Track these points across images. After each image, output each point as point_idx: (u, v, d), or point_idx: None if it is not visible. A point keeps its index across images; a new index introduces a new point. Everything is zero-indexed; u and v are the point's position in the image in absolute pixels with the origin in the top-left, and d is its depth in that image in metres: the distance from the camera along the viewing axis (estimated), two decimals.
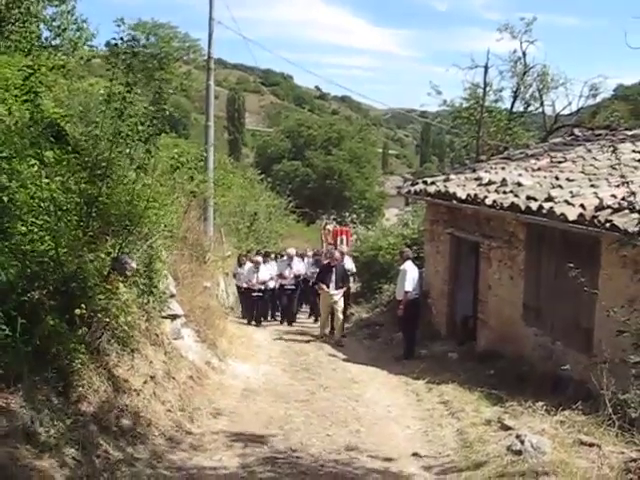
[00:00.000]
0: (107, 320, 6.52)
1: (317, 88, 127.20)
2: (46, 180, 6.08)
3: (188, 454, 6.43)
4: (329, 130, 55.33)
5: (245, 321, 16.30)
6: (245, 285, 16.39)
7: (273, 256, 18.18)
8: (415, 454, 6.71)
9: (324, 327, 14.08)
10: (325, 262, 14.70)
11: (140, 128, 6.29)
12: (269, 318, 17.71)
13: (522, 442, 6.20)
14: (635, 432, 6.48)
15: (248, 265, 16.51)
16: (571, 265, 6.67)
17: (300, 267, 17.38)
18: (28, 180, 5.92)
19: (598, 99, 22.38)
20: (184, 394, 7.81)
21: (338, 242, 23.15)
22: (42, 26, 17.37)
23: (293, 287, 17.06)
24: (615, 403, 6.78)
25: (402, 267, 12.45)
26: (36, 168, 6.21)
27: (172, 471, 5.98)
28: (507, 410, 7.55)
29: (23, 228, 5.81)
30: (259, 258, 16.62)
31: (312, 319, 17.65)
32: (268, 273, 16.49)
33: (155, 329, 8.08)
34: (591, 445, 6.40)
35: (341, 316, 13.78)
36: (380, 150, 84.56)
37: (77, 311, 6.11)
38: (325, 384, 9.69)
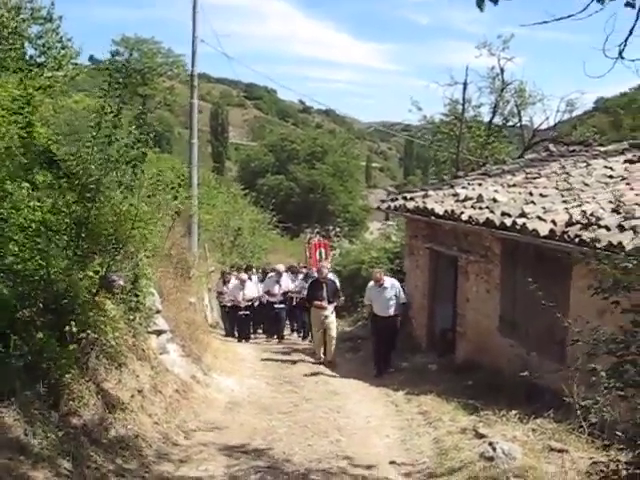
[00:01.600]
0: (96, 336, 6.77)
1: (300, 102, 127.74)
2: (38, 203, 6.35)
3: (175, 465, 6.67)
4: (312, 144, 55.80)
5: (228, 337, 16.30)
6: (230, 303, 16.30)
7: (254, 270, 18.42)
8: (392, 462, 6.99)
9: (319, 347, 13.26)
10: (315, 278, 14.13)
11: (128, 152, 6.57)
12: (253, 335, 17.41)
13: (494, 449, 6.49)
14: (604, 437, 6.81)
15: (233, 282, 16.52)
16: (535, 284, 7.00)
17: (289, 283, 16.93)
18: (19, 202, 6.17)
19: (576, 113, 22.93)
20: (170, 407, 8.05)
21: (317, 255, 23.44)
22: (27, 44, 17.62)
23: (282, 306, 16.62)
24: (585, 410, 7.10)
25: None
26: (26, 191, 6.48)
27: None
28: (482, 419, 7.84)
29: (15, 249, 6.05)
30: (244, 275, 16.62)
31: (296, 335, 17.62)
32: (254, 290, 16.46)
33: (141, 344, 8.32)
34: (560, 451, 6.69)
35: (334, 334, 13.16)
36: (363, 163, 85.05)
37: (67, 328, 6.36)
38: (307, 396, 9.96)
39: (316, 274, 14.27)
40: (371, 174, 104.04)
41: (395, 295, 12.29)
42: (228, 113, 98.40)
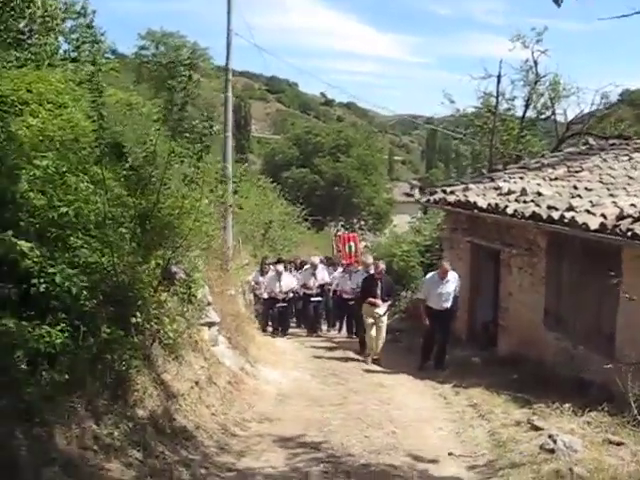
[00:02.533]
0: (158, 328, 6.89)
1: (322, 95, 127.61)
2: (98, 196, 6.46)
3: (237, 455, 6.78)
4: (337, 137, 55.59)
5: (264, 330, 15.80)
6: (266, 295, 15.78)
7: (293, 265, 18.22)
8: (451, 454, 7.04)
9: (371, 345, 12.61)
10: (370, 274, 13.32)
11: (194, 146, 6.68)
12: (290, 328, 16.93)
13: (555, 441, 6.53)
14: None
15: (270, 274, 15.99)
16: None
17: (325, 276, 16.66)
18: (86, 195, 6.28)
19: (603, 106, 22.67)
20: (224, 399, 8.17)
21: (346, 249, 23.44)
22: (61, 39, 17.81)
23: (319, 298, 16.47)
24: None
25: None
26: (88, 184, 6.59)
27: (224, 472, 6.32)
28: (535, 412, 7.86)
29: (82, 241, 6.16)
30: (280, 266, 16.17)
31: (336, 331, 17.25)
32: (291, 282, 16.14)
33: (195, 336, 8.44)
34: (618, 444, 6.72)
35: (384, 332, 12.63)
36: (386, 157, 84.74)
37: (133, 319, 6.49)
38: (354, 388, 10.03)
39: (359, 268, 14.28)
40: (393, 167, 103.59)
41: (454, 289, 11.89)
42: (250, 106, 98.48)
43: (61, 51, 17.80)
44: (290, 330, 16.77)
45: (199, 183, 6.84)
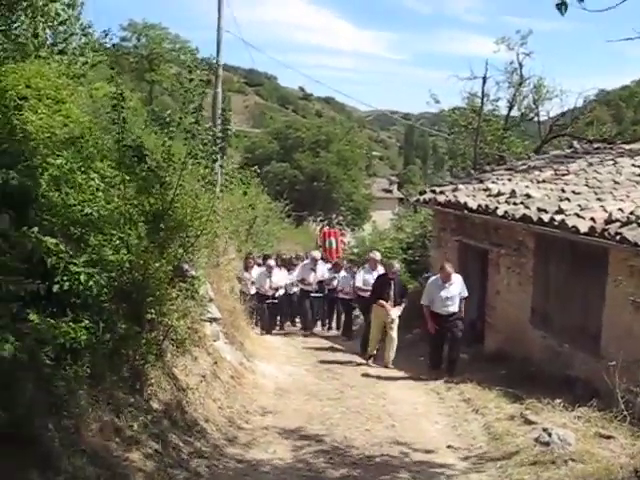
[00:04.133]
0: (170, 324, 7.11)
1: (301, 89, 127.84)
2: (110, 194, 6.66)
3: (245, 448, 7.06)
4: (317, 132, 55.87)
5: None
6: (253, 291, 15.05)
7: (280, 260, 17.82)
8: (450, 446, 7.38)
9: (374, 346, 12.22)
10: (382, 273, 12.74)
11: (210, 148, 6.93)
12: (281, 325, 16.60)
13: (549, 434, 6.87)
14: None
15: (257, 269, 15.52)
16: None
17: (325, 271, 16.26)
18: (106, 196, 6.48)
19: (578, 105, 23.23)
20: (228, 393, 8.43)
21: (326, 244, 23.71)
22: (48, 32, 17.79)
23: (319, 294, 16.00)
24: (627, 401, 7.49)
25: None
26: (99, 183, 6.77)
27: (235, 463, 6.59)
28: (528, 406, 8.20)
29: (102, 239, 6.35)
30: (271, 262, 15.74)
31: (326, 328, 16.99)
32: (282, 278, 15.72)
33: (199, 332, 8.67)
34: (608, 437, 7.09)
35: (395, 336, 12.04)
36: (365, 152, 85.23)
37: (148, 316, 6.72)
38: (350, 383, 10.33)
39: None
40: (371, 163, 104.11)
41: (459, 291, 11.30)
42: (230, 99, 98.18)
43: (48, 42, 17.85)
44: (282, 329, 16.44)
45: (213, 183, 7.07)
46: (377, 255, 13.87)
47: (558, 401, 8.20)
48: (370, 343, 12.29)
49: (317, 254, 17.01)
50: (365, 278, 13.38)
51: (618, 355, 8.14)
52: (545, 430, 6.98)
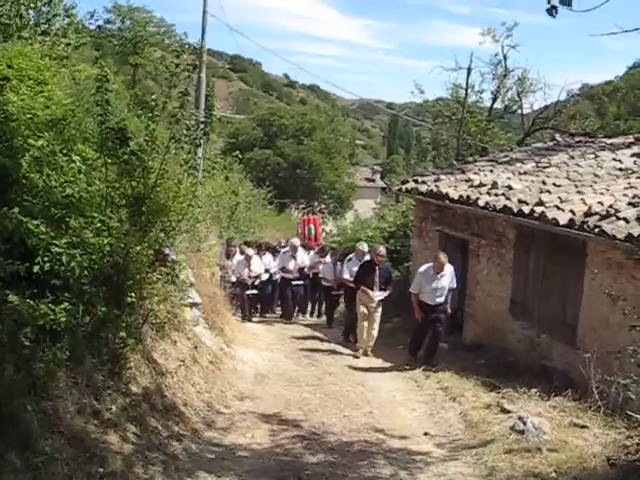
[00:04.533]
0: (150, 308, 7.11)
1: (286, 76, 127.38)
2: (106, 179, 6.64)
3: (223, 432, 7.09)
4: (301, 120, 55.74)
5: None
6: (234, 278, 14.79)
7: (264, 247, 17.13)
8: (426, 433, 7.46)
9: (363, 338, 11.89)
10: (367, 260, 12.48)
11: (194, 133, 6.91)
12: (262, 313, 16.40)
13: (524, 423, 6.99)
14: (617, 416, 7.33)
15: (237, 257, 15.20)
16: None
17: (305, 259, 16.10)
18: (87, 178, 6.45)
19: (561, 98, 23.41)
20: (207, 377, 8.44)
21: (305, 231, 23.76)
22: (31, 12, 17.56)
23: (301, 282, 15.87)
24: (601, 391, 7.61)
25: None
26: (80, 165, 6.73)
27: (213, 447, 6.63)
28: (504, 396, 8.30)
29: (83, 222, 6.32)
30: (250, 250, 15.31)
31: (311, 316, 16.99)
32: (261, 266, 15.28)
33: (178, 316, 8.67)
34: (582, 427, 7.21)
35: (377, 325, 11.94)
36: (348, 140, 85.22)
37: (127, 299, 6.70)
38: (329, 370, 10.38)
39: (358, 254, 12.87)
40: (355, 151, 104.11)
41: (449, 283, 11.10)
42: (214, 85, 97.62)
43: (31, 23, 17.63)
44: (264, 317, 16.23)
45: (196, 168, 7.06)
46: (365, 246, 13.37)
47: (534, 390, 8.30)
48: (359, 335, 12.00)
49: (297, 241, 16.84)
50: (352, 270, 12.96)
51: (594, 346, 8.28)
52: (520, 419, 7.10)
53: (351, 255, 13.69)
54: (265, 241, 19.38)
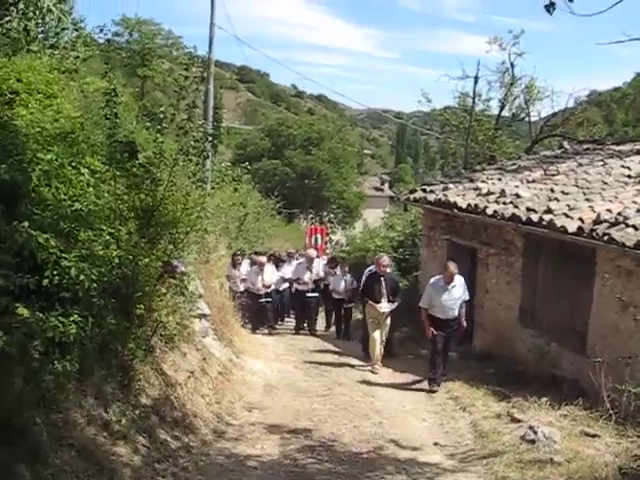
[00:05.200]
0: (159, 319, 7.13)
1: (293, 86, 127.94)
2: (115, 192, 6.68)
3: (232, 443, 7.09)
4: (309, 130, 55.93)
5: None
6: (242, 288, 14.55)
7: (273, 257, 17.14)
8: (436, 443, 7.44)
9: (377, 354, 11.34)
10: (372, 270, 11.83)
11: (202, 145, 6.96)
12: (273, 324, 15.66)
13: (535, 432, 6.96)
14: (629, 425, 7.28)
15: (245, 266, 15.08)
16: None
17: (320, 271, 15.60)
18: (96, 191, 6.49)
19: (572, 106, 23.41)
20: (217, 389, 8.46)
21: (312, 240, 23.81)
22: (40, 26, 17.69)
23: (315, 294, 15.42)
24: (612, 399, 7.56)
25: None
26: (89, 178, 6.78)
27: (223, 458, 6.62)
28: (515, 405, 8.28)
29: (92, 235, 6.35)
30: (263, 258, 15.20)
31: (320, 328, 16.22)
32: (274, 276, 15.15)
33: (188, 328, 8.68)
34: (593, 436, 7.16)
35: (385, 336, 11.58)
36: (356, 150, 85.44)
37: (137, 311, 6.73)
38: (338, 381, 10.35)
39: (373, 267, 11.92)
40: (363, 161, 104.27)
41: (461, 294, 10.45)
42: (222, 96, 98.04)
43: (40, 37, 17.76)
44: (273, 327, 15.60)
45: (204, 180, 7.11)
46: (385, 259, 12.13)
47: (544, 400, 8.26)
48: (371, 349, 11.42)
49: (313, 252, 16.55)
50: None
51: (604, 354, 8.24)
52: (531, 428, 7.06)
53: (372, 267, 12.71)
54: (274, 251, 19.36)
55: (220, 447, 6.92)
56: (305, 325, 15.64)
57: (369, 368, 11.27)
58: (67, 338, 5.45)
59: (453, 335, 10.47)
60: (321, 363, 11.78)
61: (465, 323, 10.65)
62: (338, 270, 15.19)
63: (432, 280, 10.61)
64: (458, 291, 10.36)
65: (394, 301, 11.45)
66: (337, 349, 13.28)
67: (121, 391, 6.34)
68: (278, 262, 16.54)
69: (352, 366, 11.64)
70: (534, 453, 6.65)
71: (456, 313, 10.34)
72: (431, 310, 10.32)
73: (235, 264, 14.85)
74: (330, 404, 8.87)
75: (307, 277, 15.33)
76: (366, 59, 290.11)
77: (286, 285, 15.98)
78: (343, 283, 14.70)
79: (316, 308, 16.00)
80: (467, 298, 10.64)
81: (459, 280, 10.42)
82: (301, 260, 16.23)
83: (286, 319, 17.48)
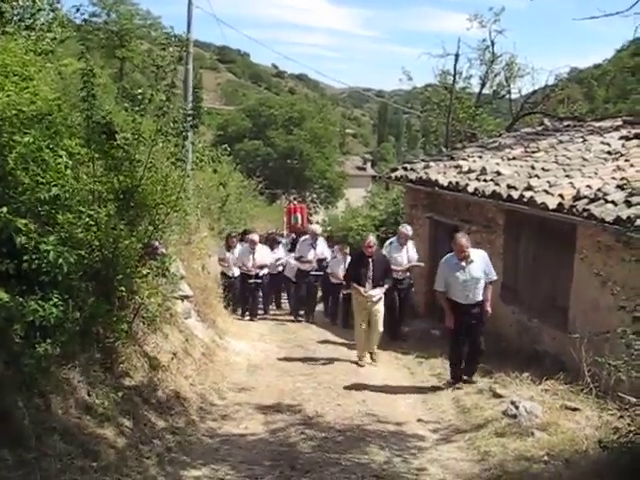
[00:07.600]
0: (141, 302, 7.11)
1: (274, 66, 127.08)
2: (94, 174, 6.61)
3: (218, 423, 7.13)
4: (290, 110, 55.77)
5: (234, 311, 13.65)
6: (237, 271, 13.86)
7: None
8: (420, 420, 7.51)
9: (362, 345, 10.26)
10: (358, 252, 10.92)
11: (181, 126, 6.90)
12: (266, 310, 15.19)
13: (517, 407, 7.04)
14: (609, 399, 7.38)
15: (239, 247, 14.14)
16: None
17: (325, 249, 14.46)
18: (75, 173, 6.42)
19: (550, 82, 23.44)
20: (200, 370, 8.46)
21: (292, 220, 23.76)
22: (15, 7, 17.41)
23: (319, 273, 14.17)
24: (593, 374, 7.65)
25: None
26: (67, 160, 6.71)
27: (207, 438, 6.65)
28: (497, 381, 8.37)
29: (71, 218, 6.29)
30: (255, 236, 14.12)
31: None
32: (267, 256, 14.27)
33: (170, 309, 8.67)
34: (574, 410, 7.26)
35: (380, 326, 10.27)
36: (338, 129, 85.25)
37: (117, 294, 6.69)
38: (322, 360, 10.38)
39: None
40: (345, 140, 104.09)
41: (485, 272, 8.63)
42: (201, 76, 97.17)
43: (15, 18, 17.45)
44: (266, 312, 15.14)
45: (184, 161, 7.07)
46: (408, 228, 11.62)
47: (526, 375, 8.35)
48: (357, 342, 10.44)
49: (317, 228, 15.33)
50: (394, 257, 11.46)
51: (585, 329, 8.32)
52: (513, 403, 7.14)
53: (392, 239, 12.15)
54: (271, 232, 19.00)
55: (205, 427, 6.95)
56: (302, 312, 14.52)
57: (355, 361, 10.28)
58: (47, 322, 5.43)
59: (477, 325, 8.69)
60: (304, 342, 11.83)
61: (490, 309, 8.84)
62: (337, 253, 14.09)
63: (444, 258, 8.99)
64: (478, 268, 8.55)
65: (385, 285, 10.27)
66: (325, 330, 13.20)
67: (104, 374, 6.32)
68: (273, 244, 15.59)
69: (334, 343, 11.69)
70: (515, 427, 6.72)
71: (479, 297, 8.60)
72: (449, 293, 8.69)
73: (230, 247, 14.05)
74: (314, 383, 8.91)
75: (311, 255, 14.01)
76: (347, 38, 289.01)
77: (281, 268, 15.20)
78: (342, 266, 13.19)
79: (315, 292, 14.93)
80: (494, 278, 8.82)
81: (478, 255, 8.67)
82: (305, 237, 14.65)
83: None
